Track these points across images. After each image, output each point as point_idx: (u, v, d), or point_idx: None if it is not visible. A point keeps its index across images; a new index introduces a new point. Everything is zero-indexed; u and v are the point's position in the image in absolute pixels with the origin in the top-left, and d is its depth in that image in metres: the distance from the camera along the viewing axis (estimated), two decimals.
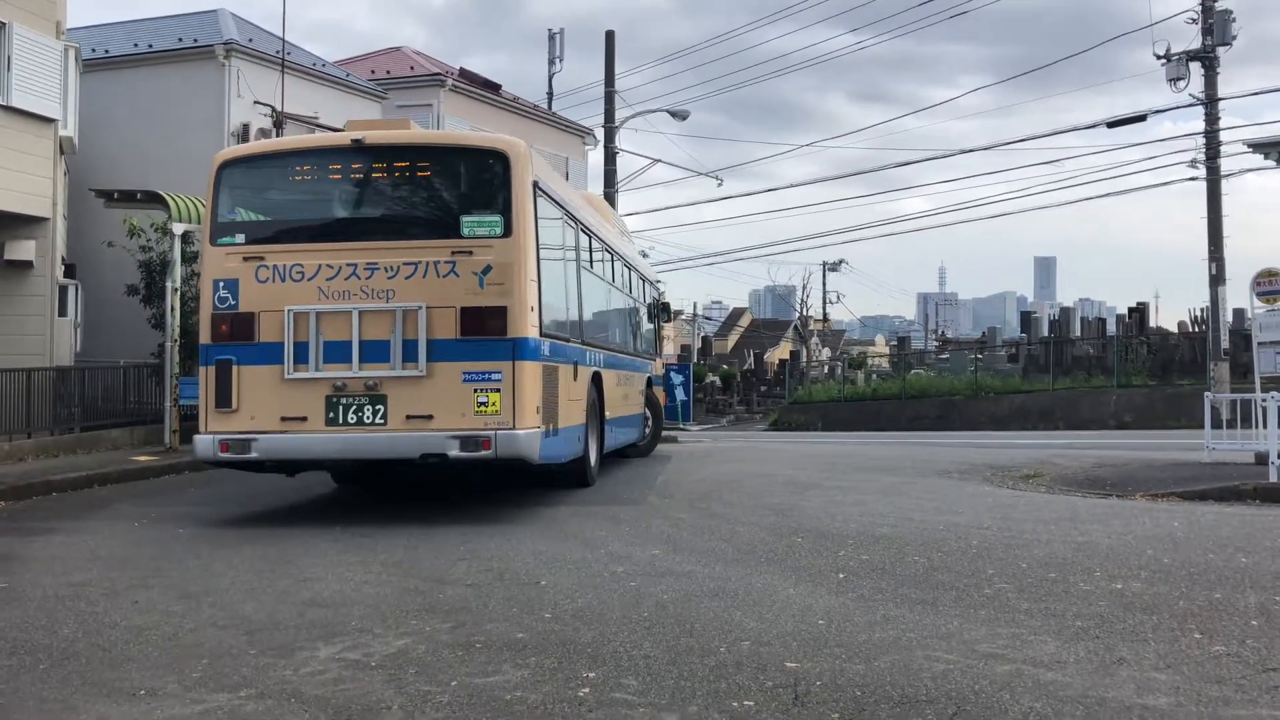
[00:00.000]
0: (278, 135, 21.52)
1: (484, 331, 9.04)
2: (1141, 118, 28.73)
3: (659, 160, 31.32)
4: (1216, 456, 13.92)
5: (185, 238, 18.08)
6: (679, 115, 30.23)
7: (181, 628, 5.54)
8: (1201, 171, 28.66)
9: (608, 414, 12.55)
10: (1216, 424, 14.49)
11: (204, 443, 9.27)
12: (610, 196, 27.03)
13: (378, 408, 9.07)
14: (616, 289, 14.42)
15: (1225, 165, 28.53)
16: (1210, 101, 28.30)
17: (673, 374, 30.38)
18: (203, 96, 21.49)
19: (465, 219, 9.28)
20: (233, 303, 9.35)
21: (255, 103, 21.22)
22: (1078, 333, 40.92)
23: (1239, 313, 32.20)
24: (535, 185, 9.55)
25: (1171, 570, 6.82)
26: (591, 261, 12.55)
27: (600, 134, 30.20)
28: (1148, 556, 7.30)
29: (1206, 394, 14.99)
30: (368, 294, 9.16)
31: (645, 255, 19.33)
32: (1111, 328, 41.02)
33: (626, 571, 6.84)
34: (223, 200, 9.65)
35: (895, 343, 62.90)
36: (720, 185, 33.07)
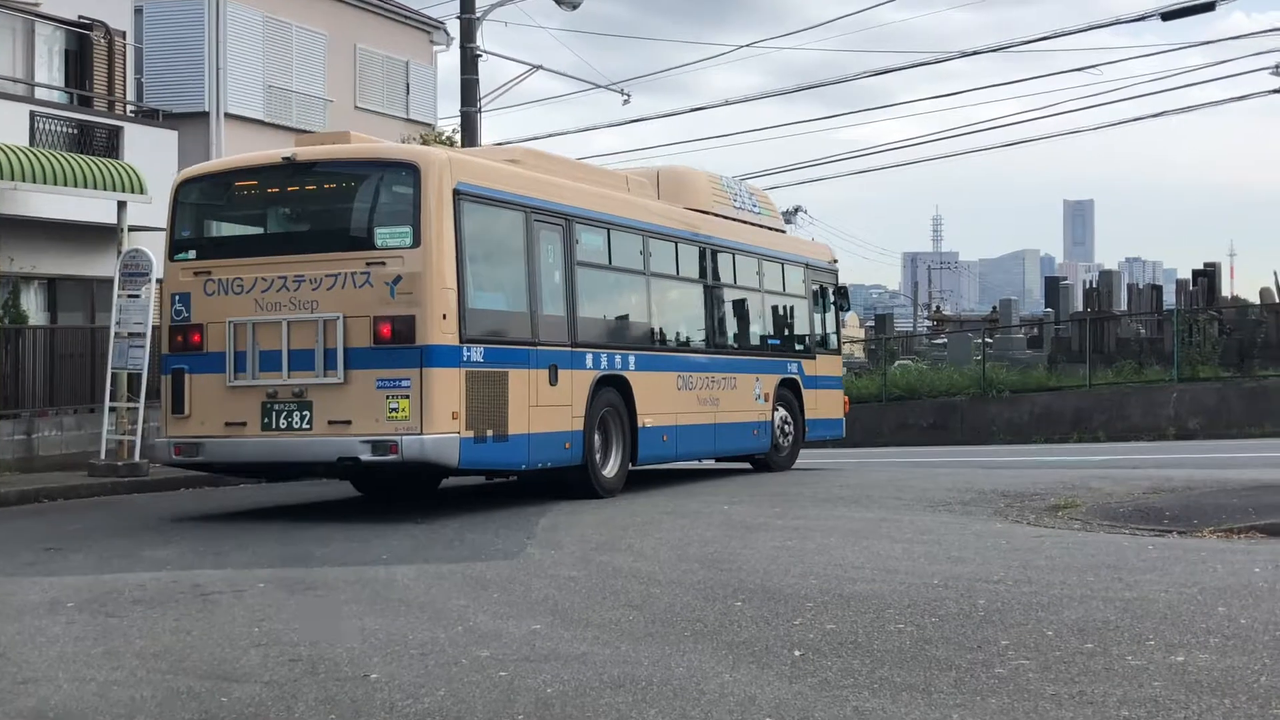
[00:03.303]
0: None
1: (395, 340, 12.46)
2: (1208, 6, 29.32)
3: (539, 67, 31.11)
4: None
5: None
6: (567, 3, 30.18)
7: None
8: None
9: (648, 421, 15.79)
10: None
11: (162, 446, 13.57)
12: (470, 117, 26.85)
13: (304, 413, 12.72)
14: (681, 280, 17.56)
15: None
16: None
17: None
18: None
19: (379, 230, 12.98)
20: (186, 315, 13.34)
21: None
22: (1124, 306, 41.85)
23: None
24: (459, 192, 12.94)
25: (1250, 634, 7.00)
26: (610, 256, 15.89)
27: (456, 29, 29.95)
28: (1219, 616, 7.47)
29: None
30: (295, 305, 12.86)
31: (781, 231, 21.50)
32: (1170, 298, 42.02)
33: (494, 656, 6.82)
34: (179, 218, 13.88)
35: (873, 323, 63.68)
36: (627, 102, 33.00)
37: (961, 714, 5.57)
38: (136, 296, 18.31)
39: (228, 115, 25.99)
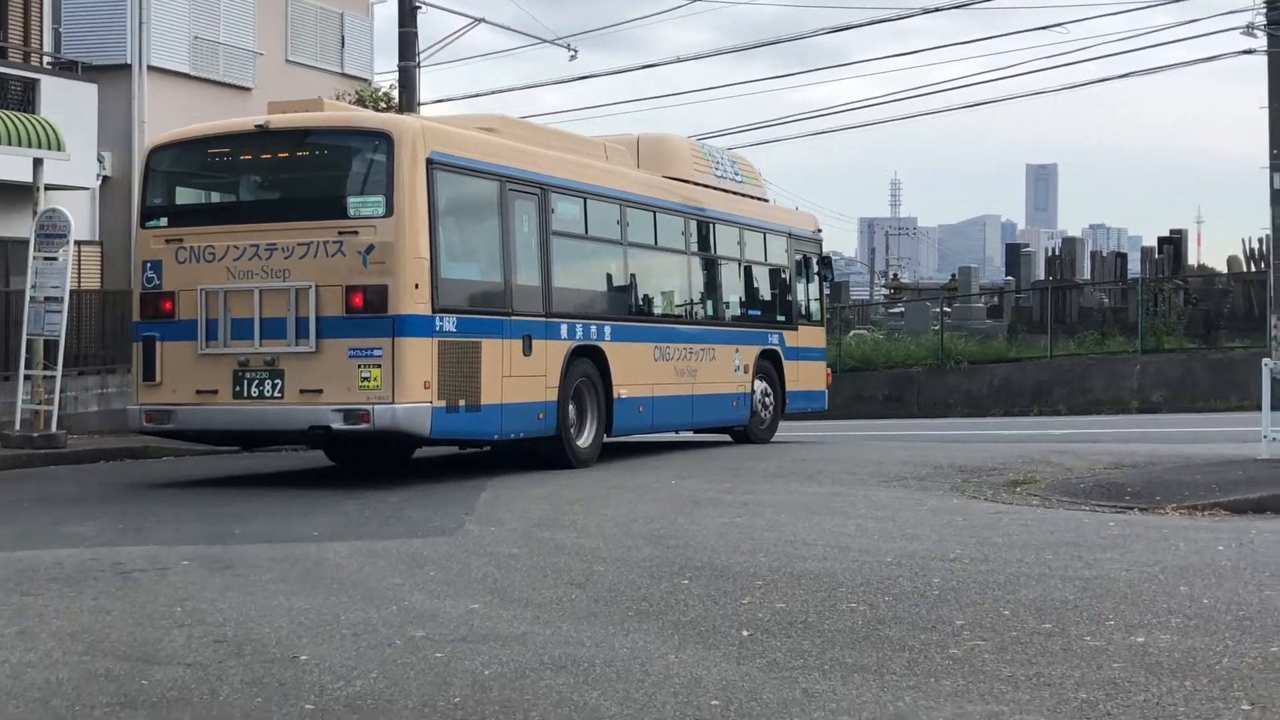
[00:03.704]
0: None
1: (367, 309, 13.03)
2: None
3: (481, 20, 30.91)
4: (1279, 450, 14.44)
5: None
6: None
7: None
8: (1261, 40, 29.54)
9: (624, 392, 16.34)
10: (1278, 403, 15.03)
11: (133, 414, 14.27)
12: (408, 72, 26.68)
13: (276, 382, 13.31)
14: (659, 250, 18.11)
15: None
16: None
17: None
18: None
19: (351, 199, 13.53)
20: (157, 282, 13.92)
21: None
22: (1087, 274, 42.14)
23: None
24: (432, 162, 13.48)
25: (1213, 614, 7.07)
26: (586, 226, 16.50)
27: None
28: (1181, 596, 7.55)
29: (1265, 361, 15.56)
30: (267, 273, 13.43)
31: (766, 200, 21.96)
32: (1135, 267, 42.35)
33: (429, 636, 6.81)
34: (151, 185, 14.51)
35: (828, 291, 63.95)
36: (573, 58, 32.88)
37: (914, 696, 5.60)
38: (54, 259, 18.13)
39: (151, 68, 25.61)
